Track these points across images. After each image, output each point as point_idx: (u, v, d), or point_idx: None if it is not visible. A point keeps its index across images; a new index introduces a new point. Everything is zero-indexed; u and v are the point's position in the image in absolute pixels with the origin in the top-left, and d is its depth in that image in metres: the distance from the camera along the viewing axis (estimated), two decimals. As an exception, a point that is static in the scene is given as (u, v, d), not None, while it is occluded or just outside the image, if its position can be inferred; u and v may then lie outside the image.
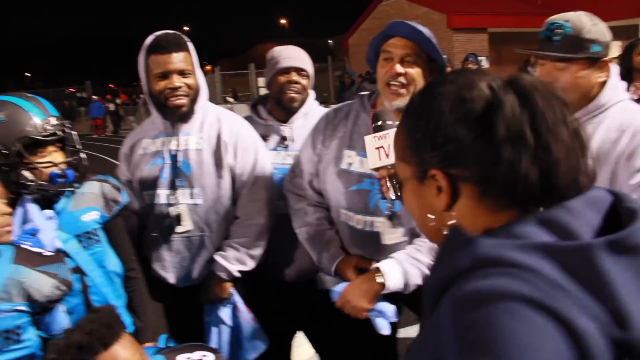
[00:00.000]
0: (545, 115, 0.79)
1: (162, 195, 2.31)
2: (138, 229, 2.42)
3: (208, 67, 48.25)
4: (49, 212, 1.91)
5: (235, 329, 2.35)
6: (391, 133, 1.74)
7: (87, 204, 2.03)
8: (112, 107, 24.47)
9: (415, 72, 1.96)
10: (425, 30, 1.96)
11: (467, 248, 0.78)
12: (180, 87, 2.23)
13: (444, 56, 2.07)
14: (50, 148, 1.92)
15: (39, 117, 1.88)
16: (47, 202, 1.95)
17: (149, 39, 2.26)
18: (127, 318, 2.14)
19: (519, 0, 26.57)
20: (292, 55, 2.60)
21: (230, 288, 2.35)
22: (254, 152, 2.36)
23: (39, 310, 1.70)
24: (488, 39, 22.49)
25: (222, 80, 24.45)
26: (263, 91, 16.56)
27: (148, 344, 2.14)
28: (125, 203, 2.17)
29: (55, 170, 1.90)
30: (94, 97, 24.06)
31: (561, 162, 0.78)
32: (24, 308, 1.65)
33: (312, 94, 2.69)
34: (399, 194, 1.50)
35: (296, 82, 2.55)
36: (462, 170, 0.84)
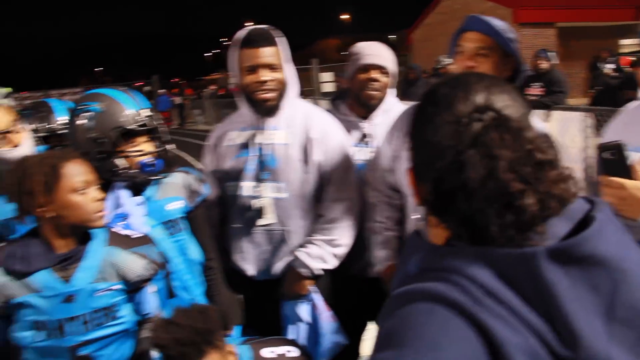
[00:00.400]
0: (482, 185, 0.74)
1: (247, 187, 2.32)
2: (219, 220, 2.46)
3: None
4: (138, 199, 2.01)
5: (313, 325, 2.32)
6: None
7: (172, 193, 2.12)
8: (178, 100, 25.13)
9: (486, 66, 1.95)
10: (498, 23, 1.96)
11: (418, 255, 0.81)
12: (268, 81, 2.24)
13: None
14: (140, 138, 2.02)
15: (132, 108, 1.99)
16: (135, 189, 2.05)
17: (241, 33, 2.29)
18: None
19: (591, -7, 25.56)
20: (374, 53, 2.59)
21: (309, 285, 2.33)
22: (341, 151, 2.35)
23: (132, 289, 1.79)
24: (556, 34, 21.72)
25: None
26: (325, 87, 16.59)
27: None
28: (207, 194, 2.26)
29: (145, 159, 2.01)
30: (161, 90, 24.75)
31: (490, 233, 0.73)
32: (119, 287, 1.75)
33: (392, 91, 2.68)
34: None
35: (376, 80, 2.55)
36: (423, 182, 0.84)
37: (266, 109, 2.29)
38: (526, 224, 0.72)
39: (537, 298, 0.69)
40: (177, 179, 2.16)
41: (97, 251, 1.73)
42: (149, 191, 2.09)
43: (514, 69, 2.02)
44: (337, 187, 2.32)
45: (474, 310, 0.68)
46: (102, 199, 1.74)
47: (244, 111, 2.38)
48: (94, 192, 1.70)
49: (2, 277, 1.62)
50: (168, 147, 2.11)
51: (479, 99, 0.80)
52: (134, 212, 1.96)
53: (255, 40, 2.23)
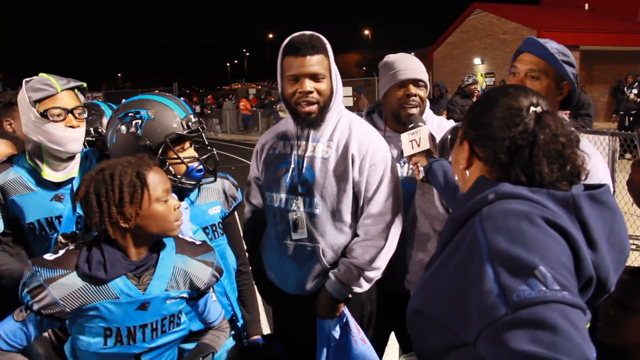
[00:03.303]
0: (541, 145, 1.14)
1: (283, 198, 2.24)
2: (258, 227, 2.43)
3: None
4: (184, 204, 1.98)
5: (345, 347, 2.21)
6: (421, 130, 2.17)
7: (212, 198, 2.14)
8: (197, 108, 25.33)
9: (536, 88, 1.90)
10: (554, 46, 1.95)
11: (492, 188, 1.13)
12: (310, 92, 2.11)
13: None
14: (187, 144, 2.02)
15: (182, 114, 1.99)
16: (177, 194, 2.04)
17: (286, 40, 2.16)
18: (238, 312, 2.26)
19: (614, 17, 25.47)
20: (410, 67, 2.50)
21: (342, 306, 2.22)
22: (383, 169, 2.18)
23: (197, 296, 1.78)
24: (580, 57, 21.64)
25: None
26: (345, 101, 16.67)
27: (256, 336, 2.24)
28: (241, 200, 2.27)
29: (194, 164, 2.00)
30: (180, 98, 24.93)
31: (544, 175, 1.13)
32: (185, 295, 1.73)
33: (427, 104, 2.59)
34: (425, 177, 2.11)
35: (415, 95, 2.47)
36: (480, 151, 1.25)
37: (307, 121, 2.19)
38: (566, 173, 1.14)
39: (577, 218, 1.08)
40: (216, 184, 2.17)
41: (169, 259, 1.71)
42: (192, 196, 2.10)
43: (568, 92, 2.01)
44: (376, 207, 2.18)
45: (555, 220, 1.03)
46: (179, 207, 1.70)
47: (289, 120, 2.31)
48: (174, 201, 1.67)
49: (79, 282, 1.56)
50: (212, 152, 2.11)
51: (532, 97, 1.22)
52: (185, 219, 1.94)
53: (298, 48, 2.10)
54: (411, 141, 2.18)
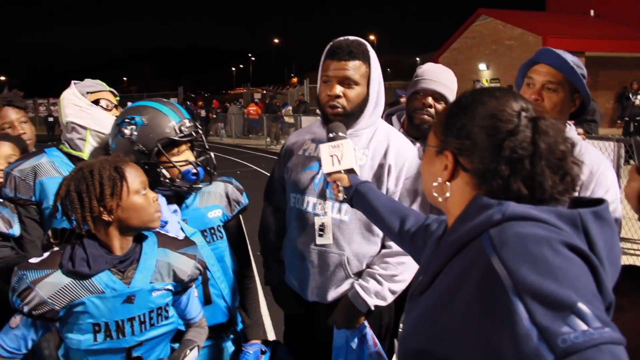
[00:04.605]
0: (543, 154, 1.03)
1: (310, 202, 2.20)
2: (277, 229, 2.43)
3: (294, 80, 49.16)
4: (172, 207, 2.03)
5: (362, 358, 2.16)
6: (343, 144, 1.93)
7: (213, 201, 2.14)
8: (202, 113, 25.40)
9: (552, 100, 1.92)
10: (572, 58, 1.92)
11: (496, 208, 1.02)
12: (337, 96, 2.11)
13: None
14: (183, 147, 2.04)
15: (176, 119, 2.00)
16: (176, 197, 2.08)
17: (330, 43, 2.17)
18: (238, 316, 2.25)
19: (620, 24, 25.43)
20: (433, 78, 2.56)
21: (363, 319, 2.16)
22: (416, 181, 2.17)
23: (180, 290, 1.82)
24: (585, 63, 21.54)
25: (310, 93, 24.87)
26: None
27: (255, 341, 2.23)
28: (246, 204, 2.27)
29: (189, 168, 2.02)
30: (187, 102, 25.01)
31: (546, 188, 1.04)
32: (170, 287, 1.77)
33: None
34: (345, 196, 1.90)
35: (430, 106, 2.53)
36: (467, 162, 1.10)
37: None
38: (567, 184, 1.06)
39: (585, 237, 1.00)
40: (217, 188, 2.18)
41: (151, 252, 1.76)
42: (190, 199, 2.11)
43: (580, 105, 2.00)
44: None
45: (577, 244, 0.94)
46: (157, 199, 1.75)
47: (322, 122, 2.29)
48: (151, 193, 1.72)
49: (65, 279, 1.61)
50: (209, 155, 2.12)
51: (521, 101, 1.11)
52: (171, 219, 1.97)
53: (335, 52, 2.10)
54: (332, 155, 1.93)
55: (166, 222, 1.95)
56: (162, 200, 1.99)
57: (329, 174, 1.94)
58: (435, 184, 1.18)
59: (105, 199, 1.61)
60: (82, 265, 1.62)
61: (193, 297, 1.91)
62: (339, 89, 2.11)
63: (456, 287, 1.01)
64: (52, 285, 1.59)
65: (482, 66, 26.16)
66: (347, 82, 2.11)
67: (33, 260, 1.64)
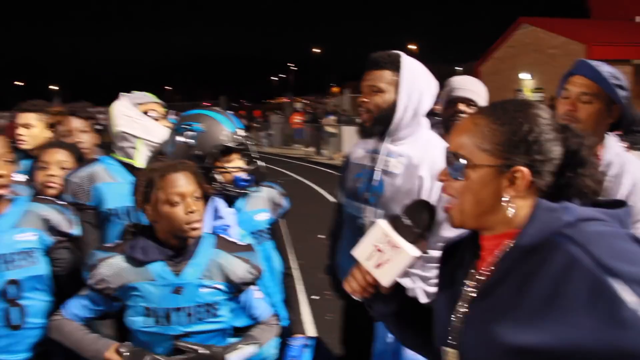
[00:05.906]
0: (586, 160, 1.15)
1: (356, 205, 2.41)
2: (337, 229, 2.65)
3: (336, 89, 49.22)
4: (231, 210, 2.19)
5: (398, 353, 2.27)
6: (403, 254, 1.26)
7: (260, 205, 2.33)
8: (244, 122, 25.68)
9: (586, 111, 1.96)
10: (607, 69, 1.96)
11: (566, 211, 1.10)
12: (364, 102, 2.35)
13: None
14: (235, 155, 2.21)
15: (230, 128, 2.18)
16: (226, 201, 2.22)
17: None
18: (283, 312, 2.38)
19: (669, 31, 24.70)
20: (464, 86, 2.77)
21: None
22: None
23: (234, 291, 1.95)
24: (632, 72, 20.97)
25: (352, 102, 24.97)
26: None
27: (299, 335, 2.37)
28: (288, 208, 2.45)
29: (240, 174, 2.19)
30: (228, 112, 25.28)
31: (590, 191, 1.15)
32: (221, 287, 1.90)
33: None
34: (370, 306, 1.40)
35: (463, 112, 2.68)
36: (537, 177, 1.13)
37: (363, 131, 2.41)
38: (601, 188, 1.17)
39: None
40: (263, 193, 2.37)
41: (206, 251, 1.91)
42: (239, 203, 2.28)
43: (619, 116, 2.03)
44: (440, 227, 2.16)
45: (638, 236, 1.08)
46: (198, 211, 1.85)
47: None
48: (190, 205, 1.83)
49: (123, 263, 1.85)
50: (259, 163, 2.28)
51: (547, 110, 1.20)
52: (232, 223, 2.13)
53: (367, 64, 2.35)
54: (378, 249, 1.29)
55: (228, 227, 2.11)
56: (223, 205, 2.15)
57: (359, 264, 1.32)
58: (504, 199, 1.14)
59: (139, 201, 1.88)
60: (139, 253, 1.84)
61: (254, 298, 2.03)
62: (366, 97, 2.35)
63: (550, 293, 1.04)
64: (112, 266, 1.84)
65: (523, 75, 25.79)
66: (372, 89, 2.33)
67: (109, 244, 1.96)
